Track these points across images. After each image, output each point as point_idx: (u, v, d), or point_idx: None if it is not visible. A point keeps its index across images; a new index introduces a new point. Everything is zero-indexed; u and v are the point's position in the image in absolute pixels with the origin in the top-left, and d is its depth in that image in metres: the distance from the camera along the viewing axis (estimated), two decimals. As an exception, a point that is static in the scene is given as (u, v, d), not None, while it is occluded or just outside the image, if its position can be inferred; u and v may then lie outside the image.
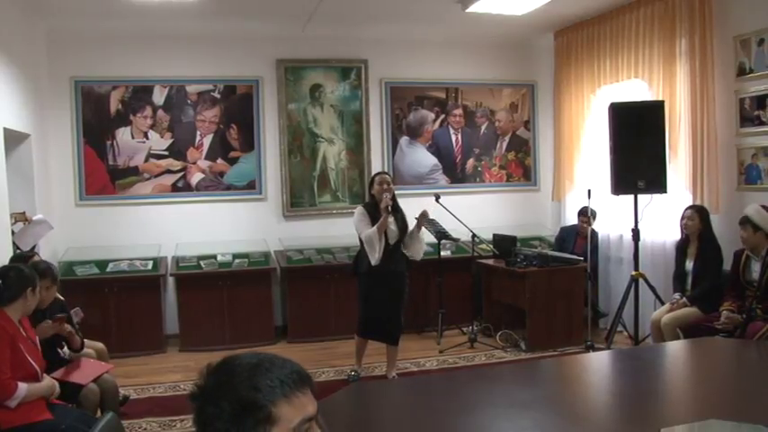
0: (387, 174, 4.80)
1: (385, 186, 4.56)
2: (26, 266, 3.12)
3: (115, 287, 5.68)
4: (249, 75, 6.36)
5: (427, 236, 6.12)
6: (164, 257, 6.07)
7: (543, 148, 7.21)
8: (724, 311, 4.19)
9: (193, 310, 5.84)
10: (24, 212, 4.82)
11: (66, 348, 3.74)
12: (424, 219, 4.63)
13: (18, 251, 4.32)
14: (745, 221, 4.19)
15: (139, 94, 6.13)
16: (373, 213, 4.56)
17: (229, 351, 1.28)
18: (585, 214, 5.86)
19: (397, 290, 4.63)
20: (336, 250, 6.24)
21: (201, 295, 5.84)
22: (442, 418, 2.27)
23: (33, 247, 4.88)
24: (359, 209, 4.69)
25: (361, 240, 4.59)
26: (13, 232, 4.76)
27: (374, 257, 4.46)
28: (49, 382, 2.97)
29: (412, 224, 4.70)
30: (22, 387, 2.79)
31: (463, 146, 7.00)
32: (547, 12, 5.70)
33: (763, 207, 4.22)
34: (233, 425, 1.12)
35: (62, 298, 3.95)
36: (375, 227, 4.46)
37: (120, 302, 5.67)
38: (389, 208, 4.47)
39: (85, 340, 4.10)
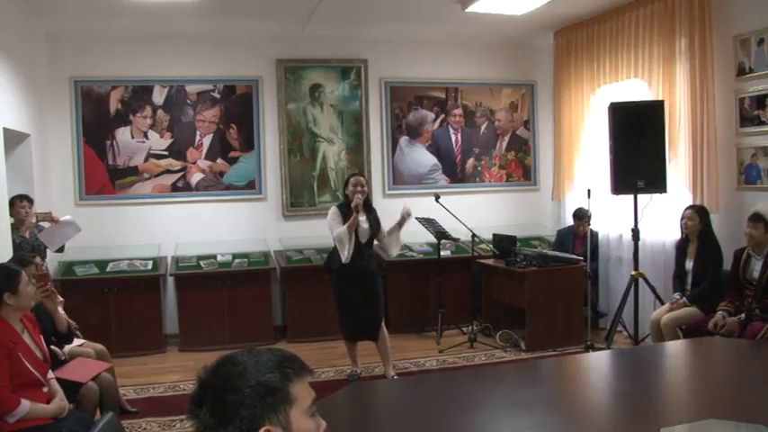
0: (361, 176, 4.89)
1: (359, 188, 4.64)
2: (8, 265, 3.04)
3: (115, 287, 5.68)
4: (249, 74, 6.36)
5: (427, 236, 6.15)
6: (163, 257, 6.07)
7: (543, 147, 7.20)
8: (719, 312, 4.18)
9: (193, 310, 5.84)
10: (51, 212, 4.85)
11: (65, 348, 3.75)
12: (407, 215, 4.70)
13: (19, 252, 4.31)
14: (759, 219, 4.15)
15: (139, 94, 6.13)
16: (346, 213, 4.64)
17: (229, 351, 1.28)
18: (581, 218, 5.86)
19: (368, 288, 4.68)
20: (331, 249, 6.22)
21: (201, 295, 5.84)
22: (442, 418, 2.27)
23: (62, 248, 4.91)
24: (332, 208, 4.79)
25: (333, 238, 4.67)
26: (39, 229, 4.78)
27: (344, 255, 4.55)
28: (55, 406, 2.86)
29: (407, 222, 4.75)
30: (25, 405, 2.70)
31: (463, 145, 7.00)
32: (547, 12, 5.70)
33: None
34: (258, 409, 1.16)
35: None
36: (345, 225, 4.54)
37: (119, 302, 5.67)
38: (359, 207, 4.55)
39: (85, 341, 4.12)
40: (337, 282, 4.74)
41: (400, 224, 4.75)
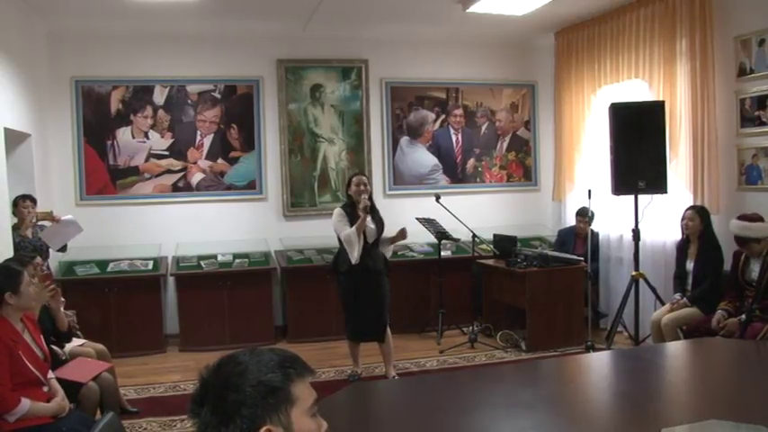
0: (363, 175, 4.88)
1: (362, 188, 4.63)
2: (11, 265, 3.03)
3: (115, 287, 5.69)
4: (249, 75, 6.36)
5: (428, 236, 6.15)
6: (164, 257, 6.07)
7: (543, 148, 7.20)
8: (719, 311, 4.20)
9: (193, 309, 5.84)
10: (51, 212, 4.85)
11: (65, 347, 3.75)
12: (401, 237, 4.71)
13: (18, 252, 4.31)
14: (744, 240, 4.22)
15: (140, 94, 6.13)
16: (351, 213, 4.62)
17: (230, 351, 1.28)
18: (584, 215, 5.86)
19: (376, 288, 4.67)
20: (337, 251, 6.23)
21: (202, 295, 5.84)
22: (443, 418, 2.27)
23: (64, 247, 4.92)
24: (337, 210, 4.76)
25: (340, 240, 4.66)
26: (41, 228, 4.79)
27: (353, 256, 4.54)
28: (55, 405, 2.86)
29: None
30: (25, 403, 2.71)
31: (463, 146, 7.00)
32: (547, 12, 5.70)
33: (738, 218, 4.29)
34: (259, 408, 1.16)
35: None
36: (354, 227, 4.53)
37: (120, 302, 5.67)
38: (367, 209, 4.54)
39: (86, 341, 4.12)
40: (345, 283, 4.71)
41: (393, 241, 4.78)
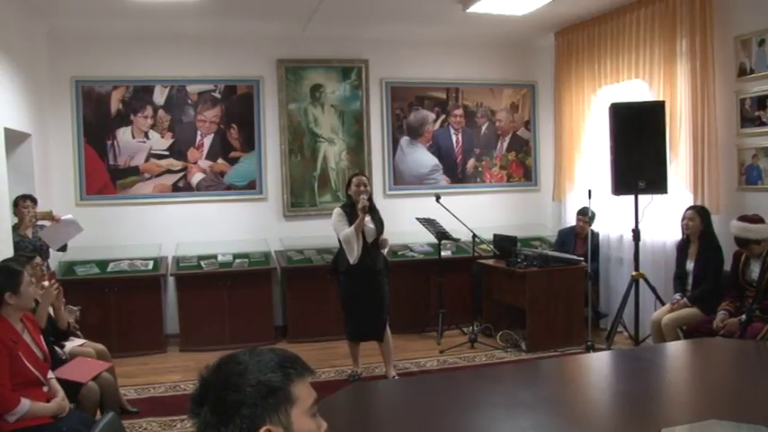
0: (363, 175, 4.88)
1: (362, 188, 4.63)
2: (11, 265, 3.02)
3: (115, 287, 5.69)
4: (250, 75, 6.36)
5: (428, 236, 6.15)
6: (164, 257, 6.07)
7: (544, 148, 7.20)
8: (720, 311, 4.21)
9: (194, 309, 5.85)
10: (51, 211, 4.85)
11: (65, 347, 3.76)
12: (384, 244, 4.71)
13: (17, 252, 4.31)
14: (745, 242, 4.23)
15: (140, 94, 6.13)
16: (350, 213, 4.62)
17: (230, 351, 1.28)
18: (584, 214, 5.86)
19: (376, 287, 4.68)
20: (336, 250, 6.22)
21: (202, 295, 5.84)
22: (443, 419, 2.27)
23: (64, 247, 4.92)
24: (336, 210, 4.77)
25: (339, 240, 4.66)
26: (41, 228, 4.80)
27: (352, 256, 4.55)
28: (55, 405, 2.86)
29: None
30: (25, 403, 2.71)
31: (464, 146, 7.00)
32: (547, 12, 5.70)
33: (738, 219, 4.31)
34: (259, 408, 1.16)
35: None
36: (352, 227, 4.53)
37: (120, 302, 5.67)
38: (366, 209, 4.54)
39: (86, 341, 4.12)
40: (345, 282, 4.73)
41: (378, 233, 4.66)
